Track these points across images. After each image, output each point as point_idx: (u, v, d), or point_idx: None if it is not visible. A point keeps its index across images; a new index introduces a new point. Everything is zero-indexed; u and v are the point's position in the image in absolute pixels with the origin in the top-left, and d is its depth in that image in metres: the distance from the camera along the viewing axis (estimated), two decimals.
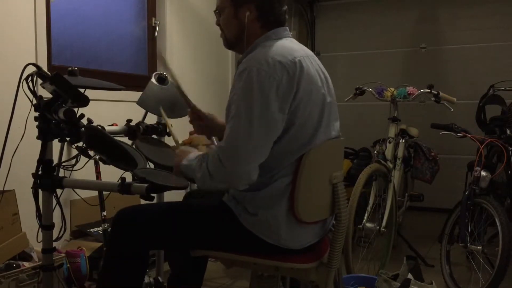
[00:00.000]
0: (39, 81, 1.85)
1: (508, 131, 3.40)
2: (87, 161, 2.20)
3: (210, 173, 1.51)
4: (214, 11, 1.76)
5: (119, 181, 1.74)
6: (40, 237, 1.96)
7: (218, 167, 1.49)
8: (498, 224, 2.67)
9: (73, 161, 2.35)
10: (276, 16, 1.67)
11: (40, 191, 1.91)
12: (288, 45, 1.62)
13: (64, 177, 1.94)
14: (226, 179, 1.50)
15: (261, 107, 1.47)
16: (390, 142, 3.30)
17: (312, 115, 1.58)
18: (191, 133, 4.28)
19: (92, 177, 2.89)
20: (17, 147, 1.94)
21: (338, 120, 1.74)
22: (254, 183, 1.53)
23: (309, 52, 1.69)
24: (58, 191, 1.94)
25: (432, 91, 3.32)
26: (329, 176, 1.67)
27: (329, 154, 1.68)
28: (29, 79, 1.87)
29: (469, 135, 3.02)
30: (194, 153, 1.63)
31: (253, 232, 1.59)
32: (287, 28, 1.72)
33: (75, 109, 1.77)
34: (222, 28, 1.75)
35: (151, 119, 2.35)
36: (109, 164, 1.90)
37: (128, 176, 1.78)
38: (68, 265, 2.55)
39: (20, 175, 2.22)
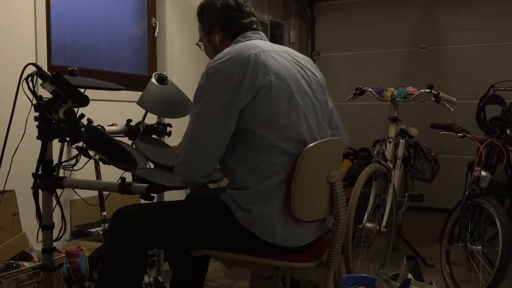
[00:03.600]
0: (39, 81, 1.86)
1: (508, 131, 3.40)
2: (87, 161, 2.20)
3: (175, 169, 1.67)
4: (196, 44, 1.92)
5: (119, 181, 1.74)
6: (40, 237, 1.97)
7: (177, 163, 1.65)
8: (498, 224, 2.67)
9: (73, 161, 2.34)
10: (241, 28, 1.75)
11: (40, 191, 1.91)
12: (251, 43, 1.67)
13: (64, 177, 1.94)
14: (182, 173, 1.63)
15: (216, 100, 1.56)
16: (390, 142, 3.30)
17: (279, 104, 1.57)
18: None
19: (92, 177, 2.89)
20: (17, 147, 1.94)
21: (324, 113, 1.73)
22: (248, 179, 1.57)
23: (281, 48, 1.71)
24: (58, 191, 1.94)
25: (432, 91, 3.32)
26: (326, 175, 1.66)
27: (326, 153, 1.68)
28: (29, 79, 1.87)
29: (469, 135, 3.02)
30: None
31: (248, 229, 1.59)
32: (259, 32, 1.78)
33: (75, 109, 1.77)
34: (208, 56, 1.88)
35: (151, 119, 2.35)
36: (109, 164, 1.90)
37: (128, 176, 1.78)
38: (68, 265, 2.55)
39: (20, 175, 2.21)
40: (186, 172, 1.62)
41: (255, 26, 1.78)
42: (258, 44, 1.66)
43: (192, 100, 2.44)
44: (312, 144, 1.60)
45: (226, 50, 1.63)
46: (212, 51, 1.81)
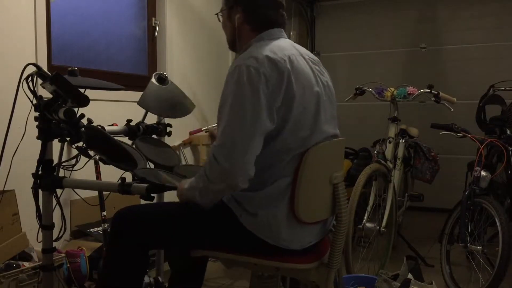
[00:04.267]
0: (39, 81, 1.86)
1: (508, 131, 3.40)
2: (87, 161, 2.20)
3: (208, 176, 1.52)
4: (216, 14, 1.82)
5: (119, 181, 1.74)
6: (40, 237, 1.97)
7: (214, 166, 1.50)
8: (498, 224, 2.67)
9: (73, 161, 2.34)
10: (266, 19, 1.70)
11: (40, 191, 1.91)
12: (279, 44, 1.65)
13: (64, 177, 1.94)
14: (223, 177, 1.50)
15: (252, 101, 1.50)
16: (390, 142, 3.30)
17: (306, 112, 1.60)
18: (191, 133, 4.30)
19: (92, 177, 2.89)
20: (17, 147, 1.94)
21: (336, 118, 1.76)
22: (254, 183, 1.54)
23: (304, 51, 1.71)
24: (58, 191, 1.94)
25: (432, 91, 3.31)
26: (329, 176, 1.67)
27: (330, 154, 1.69)
28: (29, 79, 1.87)
29: (469, 135, 3.02)
30: (192, 178, 1.64)
31: (253, 232, 1.59)
32: (282, 30, 1.74)
33: (75, 109, 1.77)
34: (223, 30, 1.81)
35: (151, 119, 2.35)
36: (109, 164, 1.90)
37: (128, 176, 1.78)
38: (68, 265, 2.55)
39: (20, 175, 2.21)
40: (230, 174, 1.48)
41: (281, 20, 1.73)
42: (286, 46, 1.65)
43: (190, 99, 2.46)
44: (316, 146, 1.61)
45: (259, 50, 1.58)
46: (230, 28, 1.75)
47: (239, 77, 1.52)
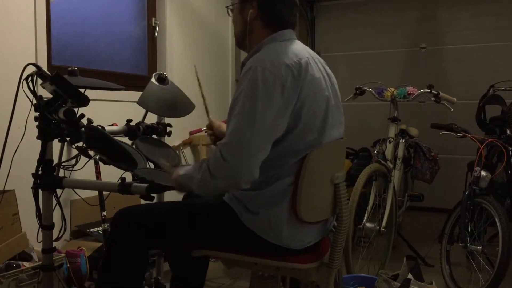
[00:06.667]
0: (39, 81, 1.86)
1: (508, 131, 3.40)
2: (87, 161, 2.20)
3: (211, 172, 1.50)
4: (226, 7, 1.81)
5: (119, 181, 1.74)
6: (40, 237, 1.97)
7: (220, 164, 1.48)
8: (498, 224, 2.67)
9: (73, 161, 2.35)
10: (280, 17, 1.69)
11: (40, 191, 1.91)
12: (293, 47, 1.64)
13: (64, 177, 1.94)
14: (228, 175, 1.48)
15: (265, 104, 1.49)
16: (390, 142, 3.30)
17: (316, 116, 1.59)
18: (191, 133, 4.29)
19: (92, 177, 2.89)
20: (17, 147, 1.94)
21: (343, 123, 1.76)
22: (256, 182, 1.54)
23: (314, 54, 1.71)
24: (58, 191, 1.94)
25: (432, 91, 3.31)
26: (330, 177, 1.67)
27: (331, 155, 1.69)
28: (29, 79, 1.87)
29: (469, 135, 3.02)
30: (189, 166, 1.63)
31: (254, 231, 1.59)
32: (293, 31, 1.73)
33: (75, 109, 1.77)
34: (233, 25, 1.79)
35: (151, 119, 2.35)
36: (109, 164, 1.90)
37: (128, 176, 1.78)
38: (68, 265, 2.55)
39: (20, 175, 2.21)
40: (235, 174, 1.47)
41: (293, 20, 1.72)
42: (299, 49, 1.64)
43: (190, 99, 2.46)
44: (318, 147, 1.61)
45: (275, 54, 1.57)
46: (241, 23, 1.72)
47: (254, 79, 1.50)
